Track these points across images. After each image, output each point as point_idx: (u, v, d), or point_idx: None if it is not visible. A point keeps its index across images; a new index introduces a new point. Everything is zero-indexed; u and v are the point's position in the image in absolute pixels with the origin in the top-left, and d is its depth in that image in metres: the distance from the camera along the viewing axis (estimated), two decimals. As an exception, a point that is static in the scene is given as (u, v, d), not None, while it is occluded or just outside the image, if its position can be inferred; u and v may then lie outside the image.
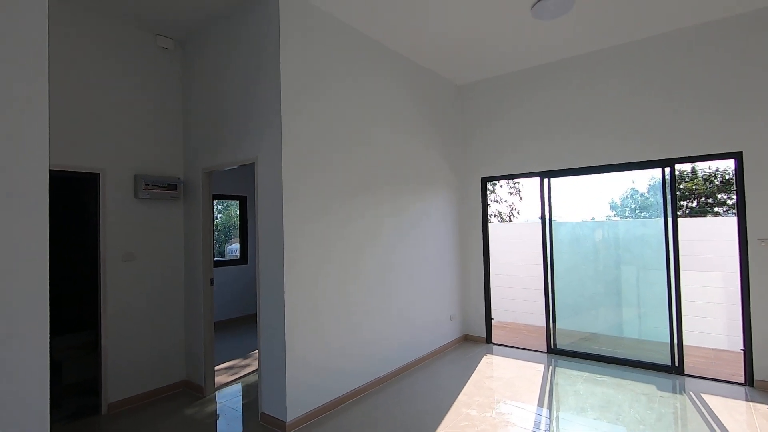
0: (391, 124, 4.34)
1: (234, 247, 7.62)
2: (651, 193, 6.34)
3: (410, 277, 4.52)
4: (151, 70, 3.94)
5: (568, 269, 5.03)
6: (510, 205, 16.58)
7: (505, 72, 5.17)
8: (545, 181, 4.95)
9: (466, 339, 5.50)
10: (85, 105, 3.49)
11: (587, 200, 5.75)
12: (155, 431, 3.21)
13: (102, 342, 3.53)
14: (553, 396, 3.74)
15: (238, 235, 7.43)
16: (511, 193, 15.94)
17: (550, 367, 4.46)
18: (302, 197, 3.33)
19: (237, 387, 4.13)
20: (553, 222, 4.92)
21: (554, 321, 4.90)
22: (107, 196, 3.60)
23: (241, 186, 7.18)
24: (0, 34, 1.95)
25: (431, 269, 4.89)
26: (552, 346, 4.88)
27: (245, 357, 5.08)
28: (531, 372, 4.30)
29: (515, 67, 5.01)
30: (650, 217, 4.67)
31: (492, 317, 5.42)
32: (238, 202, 7.32)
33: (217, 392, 3.97)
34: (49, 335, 2.04)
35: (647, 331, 4.67)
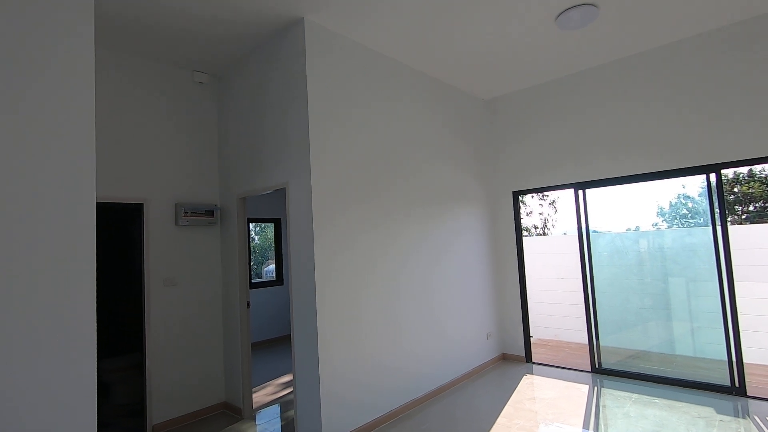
0: (419, 143, 4.36)
1: (271, 269, 7.80)
2: (701, 198, 5.98)
3: (444, 295, 4.46)
4: (189, 105, 4.18)
5: (610, 282, 4.80)
6: (544, 218, 16.09)
7: (534, 84, 5.11)
8: (580, 192, 4.79)
9: (504, 358, 5.33)
10: (129, 141, 3.74)
11: (630, 208, 5.50)
12: (196, 453, 3.29)
13: (147, 364, 3.68)
14: (600, 419, 3.53)
15: (274, 257, 7.61)
16: (543, 205, 15.49)
17: (596, 388, 4.23)
18: (332, 222, 3.38)
19: (275, 408, 4.17)
20: (591, 233, 4.74)
21: (597, 338, 4.66)
22: (150, 225, 3.80)
23: (276, 209, 7.39)
24: (53, 82, 2.14)
25: (465, 287, 4.80)
26: (596, 365, 4.64)
27: (282, 377, 5.13)
28: (575, 393, 4.09)
29: (544, 78, 4.95)
30: (702, 224, 4.41)
31: (531, 335, 5.23)
32: (273, 224, 7.52)
33: (255, 413, 4.02)
34: (96, 358, 2.15)
35: (702, 347, 4.36)
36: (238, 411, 3.95)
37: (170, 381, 3.80)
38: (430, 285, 4.30)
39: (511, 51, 4.18)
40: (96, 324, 2.16)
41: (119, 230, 4.75)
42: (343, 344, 3.35)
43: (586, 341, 4.80)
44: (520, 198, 5.37)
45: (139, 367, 4.01)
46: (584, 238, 4.74)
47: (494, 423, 3.50)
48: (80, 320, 2.11)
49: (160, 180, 3.91)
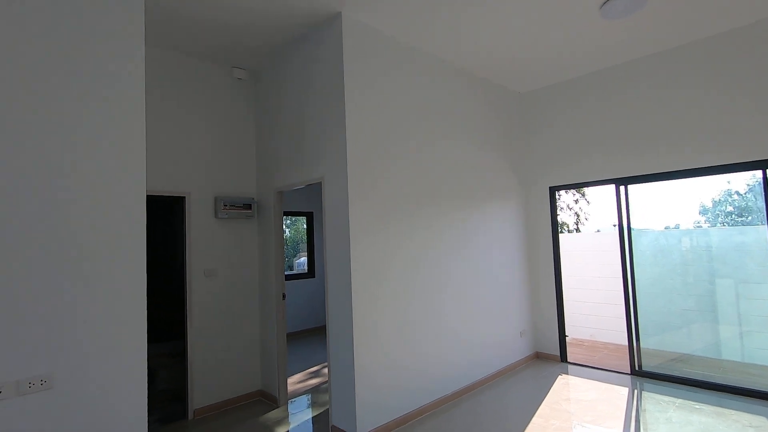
0: (453, 137, 4.31)
1: (302, 261, 7.93)
2: (750, 195, 5.62)
3: (478, 290, 4.41)
4: (228, 100, 4.28)
5: (653, 282, 4.61)
6: (576, 214, 15.58)
7: (573, 76, 4.94)
8: (622, 188, 4.62)
9: (538, 357, 5.23)
10: (171, 135, 3.87)
11: (671, 206, 5.26)
12: (235, 438, 3.40)
13: (188, 352, 3.82)
14: (641, 423, 3.41)
15: (306, 250, 7.73)
16: (577, 201, 15.00)
17: (636, 391, 4.09)
18: (367, 216, 3.40)
19: (308, 397, 4.26)
20: (632, 231, 4.56)
21: (638, 339, 4.50)
22: (191, 217, 3.93)
23: (308, 203, 7.49)
24: (107, 83, 2.23)
25: (500, 283, 4.73)
26: (636, 368, 4.48)
27: (314, 368, 5.23)
28: (613, 395, 3.97)
29: (583, 70, 4.77)
30: (753, 223, 4.15)
31: (566, 334, 5.11)
32: (305, 218, 7.64)
33: (289, 402, 4.12)
34: (146, 344, 2.25)
35: (752, 353, 4.13)
36: (274, 399, 4.06)
37: (210, 368, 3.93)
38: (465, 280, 4.26)
39: (552, 42, 4.04)
40: (146, 312, 2.26)
41: (163, 222, 4.93)
42: (377, 338, 3.37)
43: (624, 342, 4.64)
44: (557, 193, 5.22)
45: (181, 354, 4.17)
46: (626, 236, 4.57)
47: (529, 422, 3.45)
48: (133, 308, 2.21)
49: (201, 173, 4.03)
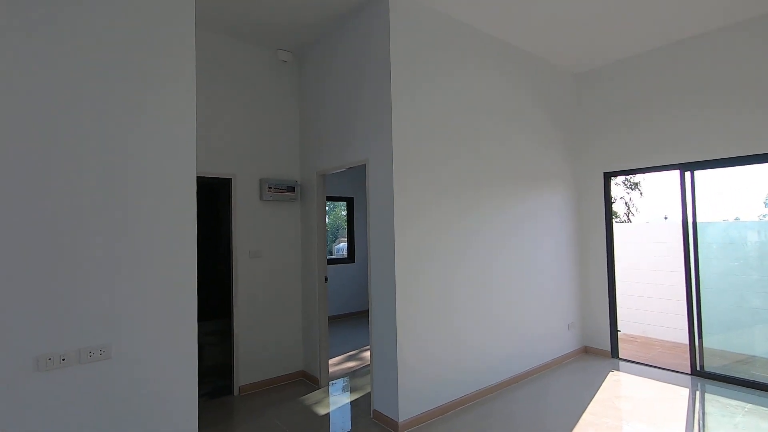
0: (501, 119, 4.11)
1: (341, 247, 7.98)
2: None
3: (524, 280, 4.23)
4: (273, 83, 4.28)
5: (720, 278, 4.25)
6: (626, 204, 14.72)
7: (633, 53, 4.57)
8: (687, 174, 4.25)
9: (586, 351, 4.98)
10: (218, 118, 3.92)
11: (737, 195, 4.78)
12: (279, 415, 3.46)
13: (234, 330, 3.92)
14: (705, 428, 3.16)
15: (346, 235, 7.75)
16: (631, 189, 14.15)
17: (697, 392, 3.80)
18: (412, 199, 3.30)
19: (348, 380, 4.27)
20: (698, 223, 4.20)
21: (701, 338, 4.17)
22: (237, 199, 3.99)
23: (349, 188, 7.49)
24: (160, 67, 2.25)
25: (547, 273, 4.52)
26: (698, 368, 4.16)
27: (353, 352, 5.26)
28: (672, 395, 3.71)
29: (645, 46, 4.39)
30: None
31: (618, 329, 4.83)
32: (345, 203, 7.65)
33: (330, 384, 4.15)
34: (197, 321, 2.29)
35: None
36: (315, 381, 4.10)
37: (254, 347, 4.02)
38: (511, 269, 4.10)
39: (611, 15, 3.72)
40: (197, 290, 2.30)
41: (210, 203, 5.07)
42: (421, 325, 3.30)
43: (682, 340, 4.34)
44: (612, 180, 4.89)
45: (227, 332, 4.30)
46: (690, 226, 4.22)
47: (579, 419, 3.28)
48: (184, 285, 2.25)
49: (247, 156, 4.07)
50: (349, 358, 5.03)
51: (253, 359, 4.01)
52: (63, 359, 1.88)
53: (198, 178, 3.74)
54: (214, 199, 5.03)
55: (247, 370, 3.97)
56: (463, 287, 3.64)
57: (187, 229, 2.27)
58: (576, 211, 5.02)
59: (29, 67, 1.87)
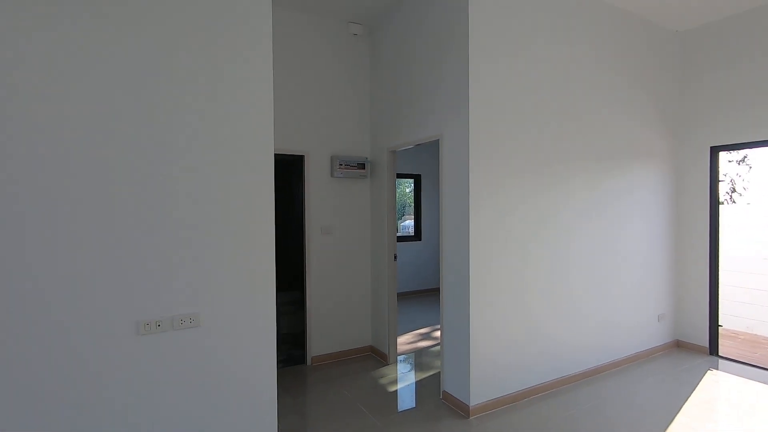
0: (588, 87, 3.70)
1: (407, 224, 7.92)
2: None
3: (608, 265, 3.88)
4: (344, 58, 4.22)
5: None
6: (731, 182, 12.97)
7: (751, 6, 3.85)
8: (823, 147, 3.56)
9: (678, 346, 4.52)
10: (293, 96, 3.95)
11: None
12: (349, 387, 3.54)
13: (307, 302, 4.05)
14: (832, 444, 2.72)
15: (413, 213, 7.68)
16: (739, 163, 12.39)
17: (821, 403, 3.28)
18: (489, 177, 3.11)
19: (415, 358, 4.27)
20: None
21: (828, 340, 3.57)
22: (310, 175, 4.04)
23: (416, 165, 7.35)
24: (238, 44, 2.25)
25: (636, 258, 4.10)
26: (821, 374, 3.59)
27: (421, 330, 5.24)
28: (787, 403, 3.24)
29: (778, -7, 3.67)
30: None
31: (720, 324, 4.30)
32: (412, 180, 7.54)
33: (398, 361, 4.17)
34: (275, 291, 2.36)
35: None
36: (384, 356, 4.14)
37: (326, 319, 4.14)
38: (595, 252, 3.77)
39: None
40: (275, 263, 2.35)
41: (283, 180, 5.23)
42: (496, 308, 3.15)
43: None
44: (722, 154, 4.26)
45: (300, 303, 4.47)
46: (823, 209, 3.56)
47: (672, 420, 2.97)
48: (263, 258, 2.31)
49: (319, 132, 4.09)
50: (416, 336, 5.02)
51: (324, 331, 4.13)
52: (158, 325, 2.03)
53: (275, 155, 3.85)
54: (287, 176, 5.18)
55: (319, 341, 4.11)
56: (541, 270, 3.41)
57: (266, 205, 2.31)
58: (674, 191, 4.47)
59: (125, 38, 1.96)
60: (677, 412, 3.08)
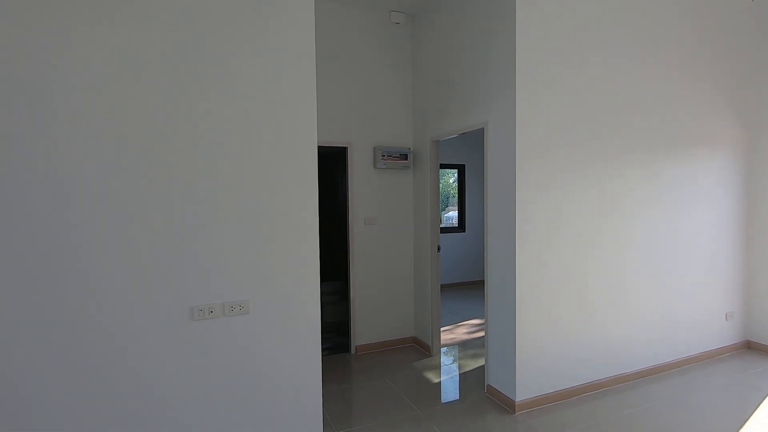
0: (649, 66, 3.43)
1: (451, 215, 7.81)
2: None
3: (670, 258, 3.62)
4: (386, 47, 4.19)
5: None
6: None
7: None
8: None
9: (749, 347, 4.15)
10: (335, 86, 3.98)
11: None
12: (392, 377, 3.57)
13: (351, 292, 4.11)
14: None
15: (456, 204, 7.56)
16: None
17: None
18: (536, 163, 2.98)
19: (459, 351, 4.23)
20: None
21: None
22: (353, 167, 4.07)
23: (460, 155, 7.21)
24: (281, 34, 2.28)
25: (701, 252, 3.80)
26: None
27: (464, 322, 5.17)
28: None
29: None
30: None
31: (799, 325, 3.90)
32: (456, 171, 7.41)
33: (442, 353, 4.15)
34: (319, 280, 2.40)
35: None
36: (427, 348, 4.13)
37: (369, 309, 4.18)
38: (655, 245, 3.53)
39: None
40: (319, 251, 2.39)
41: (327, 171, 5.31)
42: (543, 302, 3.04)
43: None
44: (805, 138, 3.83)
45: (344, 293, 4.54)
46: None
47: (742, 427, 2.74)
48: (308, 249, 2.36)
49: (361, 123, 4.10)
50: (460, 329, 4.96)
51: (368, 321, 4.18)
52: (211, 311, 2.13)
53: (318, 147, 3.91)
54: (331, 167, 5.25)
55: (363, 331, 4.16)
56: (593, 262, 3.24)
57: (310, 196, 2.35)
58: (746, 179, 4.08)
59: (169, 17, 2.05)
60: (746, 420, 2.84)
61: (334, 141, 4.00)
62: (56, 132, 1.83)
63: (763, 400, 3.13)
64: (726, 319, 4.00)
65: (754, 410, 2.97)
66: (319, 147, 3.93)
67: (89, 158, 1.89)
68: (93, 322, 1.92)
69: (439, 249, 4.07)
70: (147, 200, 1.99)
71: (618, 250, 3.35)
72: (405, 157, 4.20)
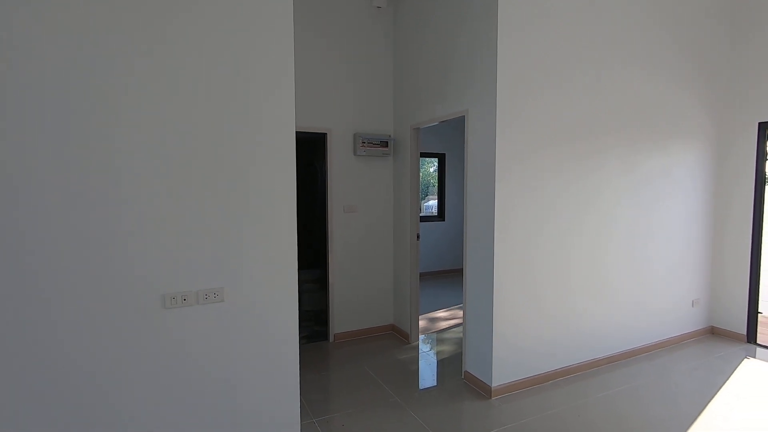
0: (626, 59, 3.48)
1: (430, 204, 7.83)
2: None
3: (643, 246, 3.72)
4: (366, 32, 4.11)
5: None
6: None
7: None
8: None
9: (713, 333, 4.34)
10: (314, 71, 3.88)
11: None
12: (371, 364, 3.57)
13: (329, 280, 4.08)
14: None
15: (436, 193, 7.58)
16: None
17: None
18: (518, 152, 2.99)
19: (437, 338, 4.26)
20: None
21: None
22: (332, 153, 4.01)
23: (441, 144, 7.21)
24: (262, 26, 2.19)
25: (672, 240, 3.92)
26: None
27: (443, 310, 5.22)
28: (832, 395, 3.07)
29: None
30: None
31: (760, 310, 4.09)
32: (437, 159, 7.41)
33: (420, 340, 4.17)
34: (297, 268, 2.36)
35: None
36: (405, 336, 4.15)
37: (348, 297, 4.16)
38: (630, 234, 3.61)
39: None
40: (297, 240, 2.35)
41: (306, 158, 5.22)
42: (520, 289, 3.08)
43: None
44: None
45: (323, 281, 4.50)
46: None
47: (705, 408, 2.87)
48: (286, 235, 2.30)
49: (341, 109, 4.03)
50: (438, 316, 5.01)
51: (347, 309, 4.17)
52: (184, 299, 2.06)
53: (296, 132, 3.82)
54: (309, 154, 5.16)
55: (341, 319, 4.15)
56: (569, 250, 3.30)
57: (288, 183, 2.29)
58: (715, 170, 4.22)
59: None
60: (710, 401, 2.97)
61: (314, 126, 3.92)
62: (3, 122, 1.71)
63: (727, 380, 3.28)
64: (692, 306, 4.16)
65: (718, 390, 3.11)
66: (298, 132, 3.84)
67: (44, 144, 1.77)
68: (49, 311, 1.83)
69: (418, 237, 4.07)
70: (115, 181, 1.90)
71: (596, 238, 3.42)
72: (385, 144, 4.16)
